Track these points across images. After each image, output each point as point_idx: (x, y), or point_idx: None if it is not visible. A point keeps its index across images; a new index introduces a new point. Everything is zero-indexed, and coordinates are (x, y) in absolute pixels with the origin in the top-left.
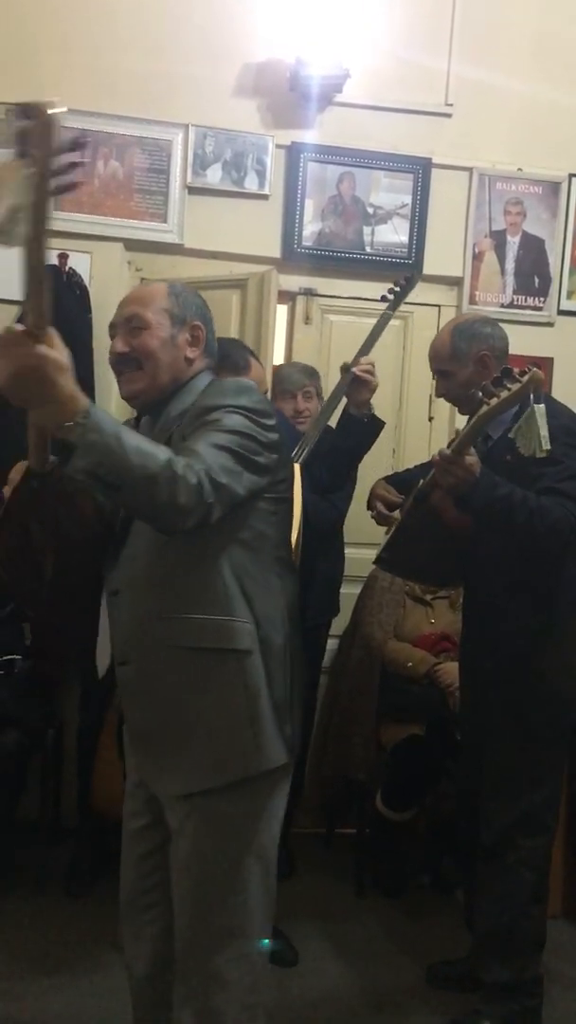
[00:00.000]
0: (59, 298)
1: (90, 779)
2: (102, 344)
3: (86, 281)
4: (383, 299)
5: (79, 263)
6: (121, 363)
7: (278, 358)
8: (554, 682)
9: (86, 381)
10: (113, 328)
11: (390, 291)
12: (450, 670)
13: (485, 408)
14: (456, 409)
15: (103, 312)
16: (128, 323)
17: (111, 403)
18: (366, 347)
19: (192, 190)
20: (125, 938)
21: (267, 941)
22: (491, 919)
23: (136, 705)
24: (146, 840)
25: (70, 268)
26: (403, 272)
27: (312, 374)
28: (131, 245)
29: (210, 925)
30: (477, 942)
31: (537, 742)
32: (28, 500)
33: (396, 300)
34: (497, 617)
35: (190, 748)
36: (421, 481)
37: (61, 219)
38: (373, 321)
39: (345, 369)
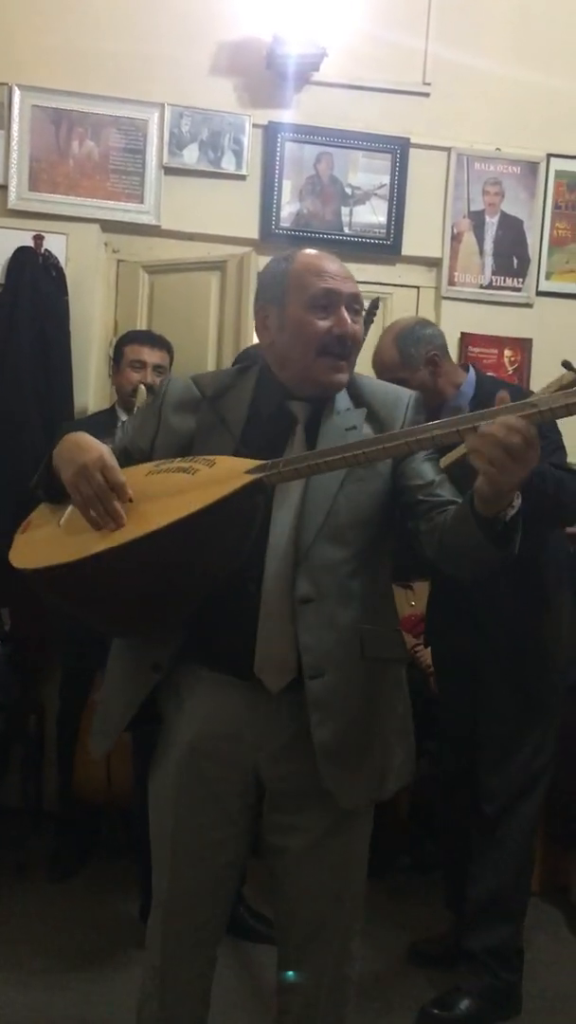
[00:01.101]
0: (35, 280)
1: (71, 764)
2: (78, 327)
3: (62, 263)
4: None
5: (55, 245)
6: (349, 348)
7: (254, 337)
8: (550, 650)
9: (63, 365)
10: (330, 297)
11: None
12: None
13: None
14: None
15: (79, 295)
16: (353, 303)
17: (88, 390)
18: None
19: (169, 170)
20: (167, 979)
21: None
22: (483, 886)
23: (328, 718)
24: (228, 851)
25: (46, 250)
26: (386, 254)
27: None
28: (107, 226)
29: (353, 918)
30: (468, 910)
31: (539, 710)
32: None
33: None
34: (489, 592)
35: (372, 758)
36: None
37: (37, 200)
38: None
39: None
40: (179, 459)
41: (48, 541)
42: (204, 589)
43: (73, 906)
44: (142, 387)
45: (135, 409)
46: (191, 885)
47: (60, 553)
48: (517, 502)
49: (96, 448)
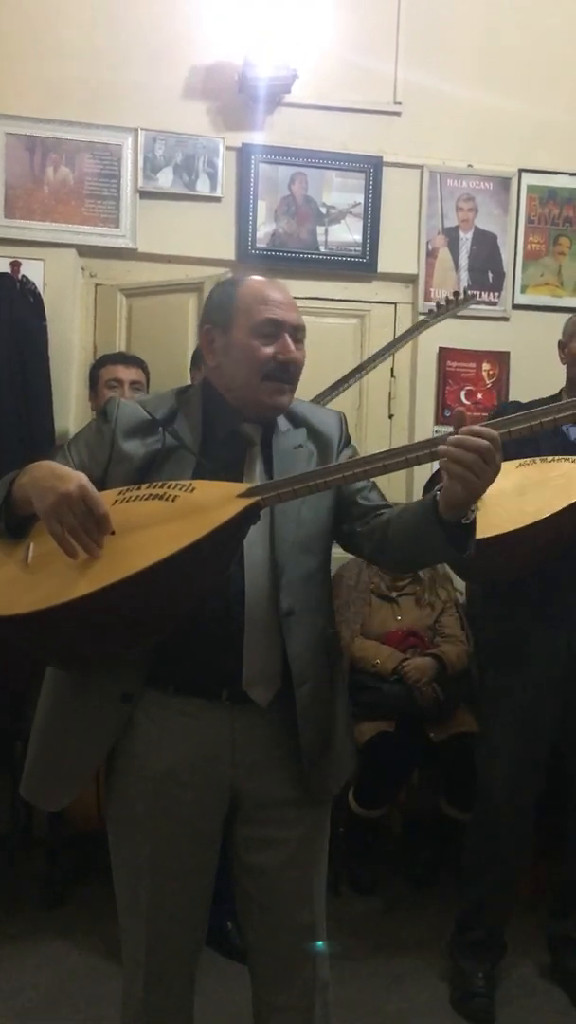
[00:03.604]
0: (13, 307)
1: None
2: (57, 352)
3: (39, 288)
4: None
5: (32, 270)
6: (292, 373)
7: None
8: None
9: (42, 390)
10: (275, 326)
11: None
12: (418, 666)
13: None
14: (413, 408)
15: (58, 320)
16: (297, 332)
17: (70, 414)
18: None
19: (144, 194)
20: (151, 1008)
21: None
22: None
23: (310, 722)
24: (206, 873)
25: (23, 276)
26: (362, 272)
27: None
28: (84, 251)
29: (321, 910)
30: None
31: None
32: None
33: (440, 312)
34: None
35: (335, 749)
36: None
37: (13, 227)
38: (330, 321)
39: None
40: (146, 485)
41: (15, 583)
42: (184, 614)
43: (65, 933)
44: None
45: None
46: (174, 913)
47: (37, 596)
48: (476, 508)
49: (77, 476)
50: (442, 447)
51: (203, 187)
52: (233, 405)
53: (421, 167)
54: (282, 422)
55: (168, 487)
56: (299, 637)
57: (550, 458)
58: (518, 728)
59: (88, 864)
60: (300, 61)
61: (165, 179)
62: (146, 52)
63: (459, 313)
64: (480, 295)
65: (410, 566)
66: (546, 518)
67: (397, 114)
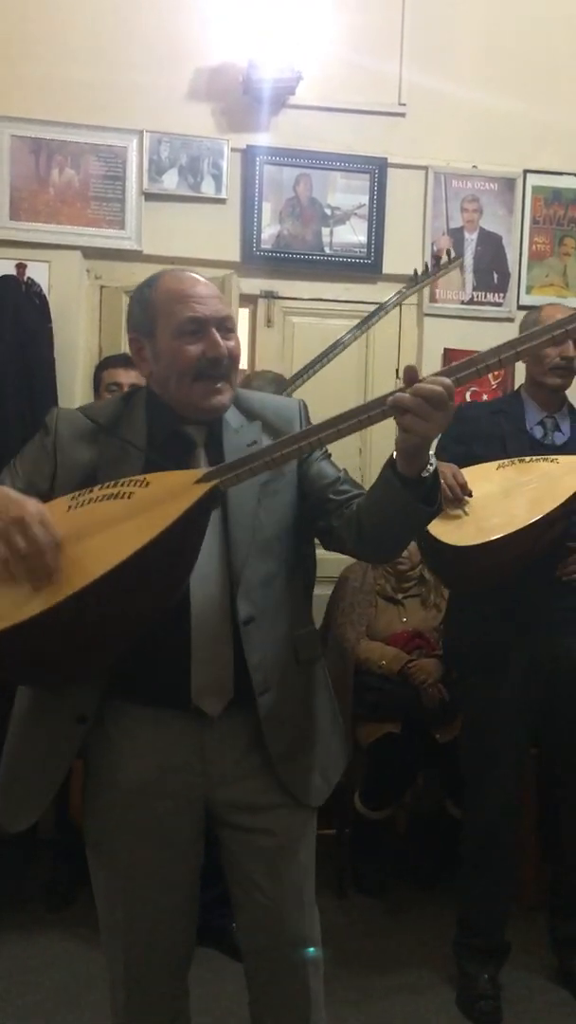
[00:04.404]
0: (18, 308)
1: (67, 792)
2: (62, 354)
3: (45, 290)
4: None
5: (37, 272)
6: (226, 368)
7: (242, 362)
8: None
9: (47, 392)
10: (197, 323)
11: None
12: (423, 666)
13: None
14: None
15: (63, 321)
16: (224, 323)
17: None
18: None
19: (149, 196)
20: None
21: None
22: None
23: (278, 728)
24: (185, 886)
25: (28, 278)
26: (367, 273)
27: (282, 384)
28: (89, 253)
29: (312, 917)
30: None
31: None
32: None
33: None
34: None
35: (316, 753)
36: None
37: (18, 229)
38: (335, 322)
39: None
40: (98, 487)
41: None
42: (149, 621)
43: (71, 935)
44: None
45: None
46: (152, 930)
47: (14, 610)
48: (433, 460)
49: (31, 501)
50: (392, 397)
51: (208, 189)
52: (173, 408)
53: (426, 168)
54: (234, 418)
55: (122, 484)
56: (259, 644)
57: (528, 458)
58: (495, 733)
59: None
60: (304, 63)
61: (170, 181)
62: (151, 54)
63: (462, 313)
64: (485, 296)
65: (391, 546)
66: (537, 520)
67: (402, 115)
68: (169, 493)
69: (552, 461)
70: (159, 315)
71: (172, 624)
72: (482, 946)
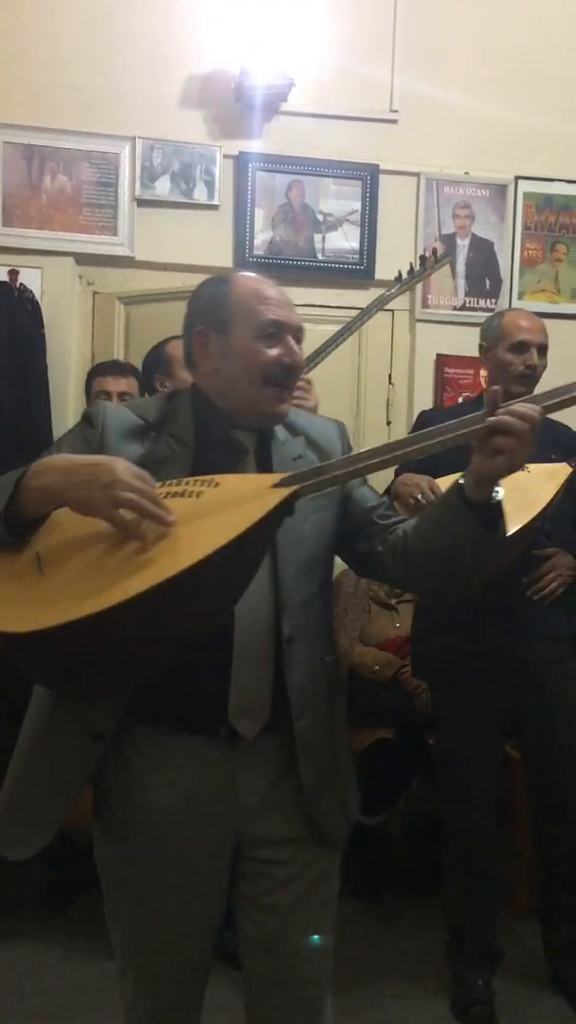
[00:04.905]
0: (11, 315)
1: None
2: (55, 360)
3: (37, 296)
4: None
5: (30, 279)
6: (294, 377)
7: None
8: None
9: (40, 399)
10: (277, 327)
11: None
12: None
13: None
14: (411, 415)
15: (55, 328)
16: (297, 333)
17: (68, 422)
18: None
19: (141, 202)
20: None
21: None
22: None
23: (310, 756)
24: (212, 919)
25: (21, 284)
26: (359, 279)
27: None
28: (82, 259)
29: (328, 962)
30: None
31: None
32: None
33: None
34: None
35: (338, 789)
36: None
37: (11, 235)
38: (327, 328)
39: None
40: (159, 484)
41: (36, 594)
42: (203, 632)
43: (66, 942)
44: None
45: None
46: (175, 976)
47: (69, 606)
48: (500, 489)
49: (111, 457)
50: (495, 418)
51: (200, 195)
52: (226, 411)
53: (418, 175)
54: (280, 431)
55: (189, 484)
56: (299, 666)
57: None
58: (471, 740)
59: (89, 873)
60: (296, 69)
61: (162, 187)
62: (143, 61)
63: (454, 319)
64: (478, 302)
65: (442, 576)
66: (517, 531)
67: (393, 122)
68: (244, 495)
69: (523, 469)
70: (237, 312)
71: (213, 638)
72: (475, 951)
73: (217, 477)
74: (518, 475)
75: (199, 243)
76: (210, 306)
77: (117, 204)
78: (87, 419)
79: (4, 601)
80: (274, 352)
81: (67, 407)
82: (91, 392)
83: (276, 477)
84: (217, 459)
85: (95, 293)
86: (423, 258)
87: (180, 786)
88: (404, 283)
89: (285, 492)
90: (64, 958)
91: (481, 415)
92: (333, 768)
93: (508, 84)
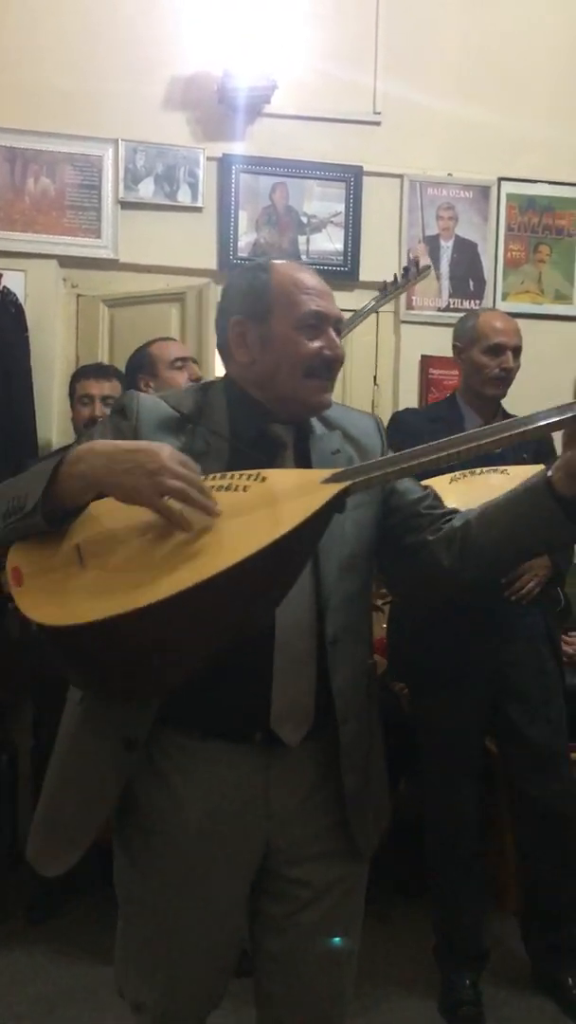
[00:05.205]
0: None
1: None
2: (39, 363)
3: (21, 299)
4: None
5: (13, 282)
6: (335, 370)
7: (220, 370)
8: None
9: (24, 402)
10: (319, 318)
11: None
12: None
13: None
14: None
15: (39, 331)
16: (337, 324)
17: (52, 425)
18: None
19: (125, 205)
20: None
21: None
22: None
23: (352, 763)
24: (236, 939)
25: (4, 287)
26: (343, 280)
27: None
28: (65, 262)
29: (351, 980)
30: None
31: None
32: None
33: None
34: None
35: (372, 799)
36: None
37: None
38: None
39: None
40: (204, 478)
41: (78, 585)
42: (248, 633)
43: (52, 948)
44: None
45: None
46: (194, 996)
47: (115, 599)
48: None
49: (155, 443)
50: None
51: (184, 197)
52: (263, 403)
53: (401, 176)
54: (316, 424)
55: (234, 478)
56: (343, 669)
57: (478, 470)
58: (453, 742)
59: (76, 877)
60: (279, 72)
61: (146, 190)
62: (126, 63)
63: (439, 320)
64: (462, 303)
65: (501, 567)
66: None
67: (377, 124)
68: (293, 491)
69: (503, 472)
70: (277, 302)
71: (253, 640)
72: (461, 952)
73: (263, 472)
74: (498, 477)
75: (183, 245)
76: (249, 295)
77: (101, 206)
78: (121, 410)
79: (46, 594)
80: (316, 344)
81: (51, 410)
82: (74, 395)
83: (326, 472)
84: (255, 453)
85: (79, 296)
86: (406, 269)
87: (212, 796)
88: (385, 296)
89: (337, 488)
90: (53, 964)
91: (567, 406)
92: (371, 777)
93: (489, 87)
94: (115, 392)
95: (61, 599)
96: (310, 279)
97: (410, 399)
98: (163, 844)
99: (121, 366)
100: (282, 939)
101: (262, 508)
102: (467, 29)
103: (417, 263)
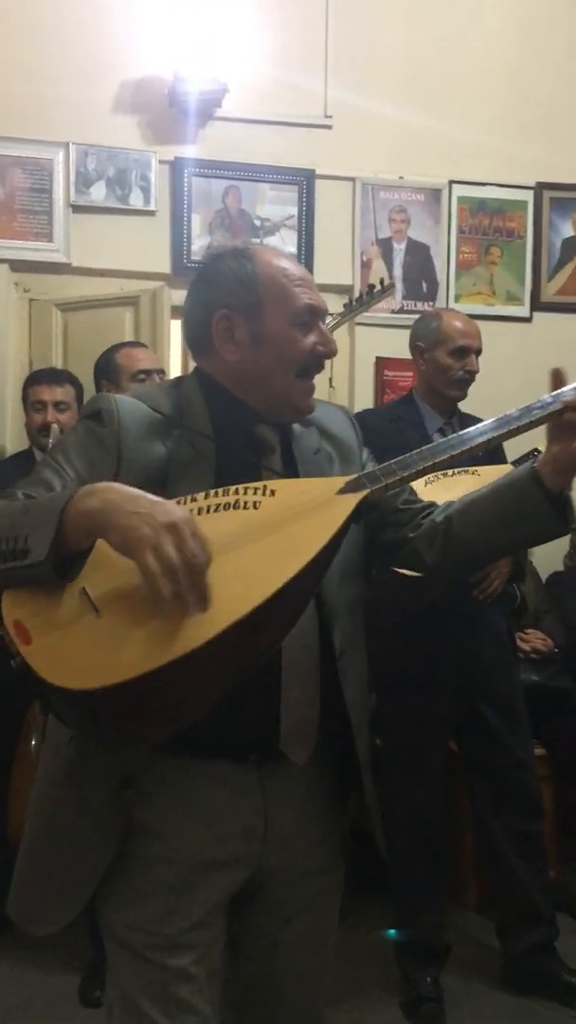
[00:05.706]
0: None
1: (5, 809)
2: None
3: None
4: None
5: None
6: (323, 365)
7: (175, 373)
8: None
9: None
10: (312, 313)
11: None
12: None
13: None
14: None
15: None
16: (324, 316)
17: (5, 432)
18: None
19: (77, 208)
20: None
21: None
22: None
23: (368, 778)
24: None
25: None
26: None
27: None
28: (17, 266)
29: (325, 993)
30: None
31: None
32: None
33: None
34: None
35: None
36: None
37: None
38: None
39: None
40: (204, 496)
41: (99, 640)
42: (265, 658)
43: (15, 957)
44: (55, 426)
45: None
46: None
47: (140, 653)
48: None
49: (178, 506)
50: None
51: (136, 201)
52: (248, 404)
53: (353, 180)
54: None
55: (240, 492)
56: (352, 681)
57: (450, 472)
58: (419, 743)
59: None
60: (230, 75)
61: (98, 193)
62: (75, 67)
63: (393, 322)
64: (415, 305)
65: (481, 560)
66: None
67: (328, 128)
68: (309, 505)
69: (474, 474)
70: (269, 294)
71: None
72: (422, 948)
73: (270, 484)
74: (470, 479)
75: (136, 249)
76: (236, 286)
77: (52, 210)
78: (96, 415)
79: (63, 652)
80: (310, 340)
81: (5, 416)
82: (27, 401)
83: (339, 481)
84: (241, 456)
85: (31, 300)
86: (371, 286)
87: (206, 823)
88: (350, 312)
89: (356, 499)
90: (11, 974)
91: (549, 397)
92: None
93: (438, 91)
94: (68, 398)
95: (93, 657)
96: (294, 268)
97: (366, 401)
98: (159, 870)
99: (75, 370)
100: (259, 959)
101: (282, 528)
102: (415, 34)
103: (383, 281)
